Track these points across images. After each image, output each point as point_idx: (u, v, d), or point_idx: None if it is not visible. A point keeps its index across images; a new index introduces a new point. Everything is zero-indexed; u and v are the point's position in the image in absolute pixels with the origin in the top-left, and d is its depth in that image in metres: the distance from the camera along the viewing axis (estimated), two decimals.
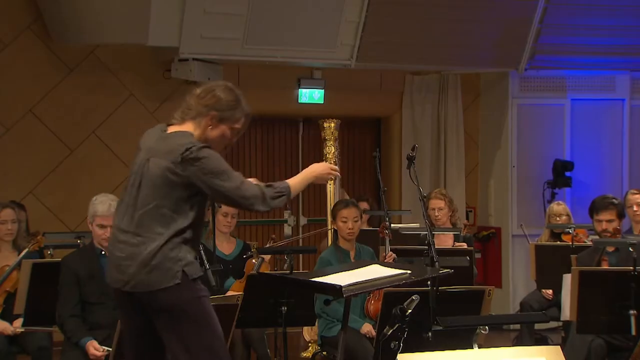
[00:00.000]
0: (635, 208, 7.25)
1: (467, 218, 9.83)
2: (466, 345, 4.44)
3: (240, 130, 4.08)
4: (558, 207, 7.83)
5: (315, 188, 9.50)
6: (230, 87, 4.06)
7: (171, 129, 4.02)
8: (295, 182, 4.08)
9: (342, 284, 3.86)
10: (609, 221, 6.28)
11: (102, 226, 5.52)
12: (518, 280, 9.81)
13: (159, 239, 3.86)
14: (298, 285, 4.54)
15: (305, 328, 7.48)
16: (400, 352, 3.68)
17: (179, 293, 3.84)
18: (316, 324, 6.32)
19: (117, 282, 3.95)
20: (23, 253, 6.09)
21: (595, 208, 6.40)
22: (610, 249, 6.22)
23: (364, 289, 4.01)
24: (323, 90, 9.14)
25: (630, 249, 5.35)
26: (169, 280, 3.84)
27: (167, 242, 3.86)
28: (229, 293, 5.97)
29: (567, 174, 9.76)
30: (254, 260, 6.38)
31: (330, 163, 6.83)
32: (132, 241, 3.90)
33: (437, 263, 4.83)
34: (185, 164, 3.86)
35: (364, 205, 7.90)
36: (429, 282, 4.72)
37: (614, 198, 6.45)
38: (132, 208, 3.94)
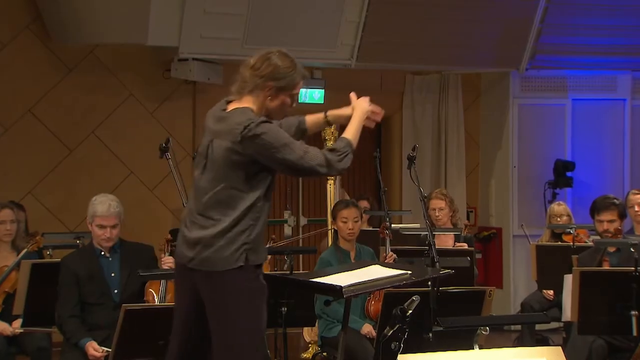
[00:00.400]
0: (636, 208, 7.24)
1: (468, 218, 9.83)
2: (467, 346, 4.45)
3: (298, 94, 4.07)
4: (558, 207, 7.83)
5: (315, 188, 9.51)
6: (284, 52, 4.02)
7: (230, 107, 3.99)
8: (353, 133, 4.05)
9: (343, 285, 3.86)
10: (610, 221, 6.28)
11: (101, 226, 5.51)
12: (519, 280, 9.81)
13: (227, 220, 3.86)
14: (298, 285, 4.55)
15: (305, 329, 7.48)
16: (400, 353, 3.68)
17: (236, 277, 3.84)
18: (316, 324, 6.32)
19: (183, 258, 3.95)
20: (22, 253, 6.09)
21: (596, 208, 6.40)
22: (611, 249, 6.22)
23: (365, 289, 4.01)
24: (323, 90, 9.15)
25: (632, 250, 5.34)
26: (231, 263, 3.84)
27: (236, 223, 3.86)
28: None
29: (568, 174, 9.76)
30: None
31: None
32: (203, 224, 3.90)
33: (437, 263, 4.83)
34: (246, 142, 3.85)
35: (365, 203, 7.90)
36: (429, 283, 4.72)
37: (615, 198, 6.46)
38: (200, 191, 3.94)
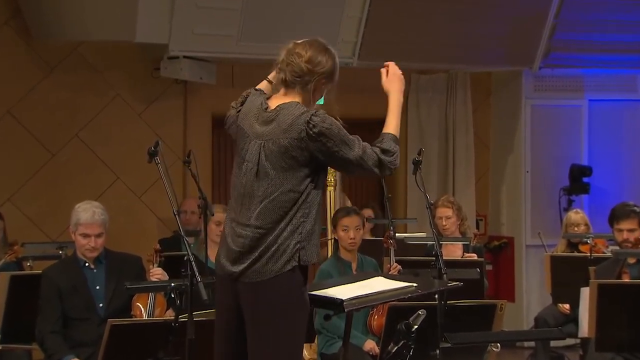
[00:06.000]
0: None
1: (477, 227, 9.82)
2: None
3: None
4: (576, 215, 7.83)
5: None
6: (330, 47, 4.09)
7: (273, 103, 3.96)
8: (395, 126, 4.10)
9: (343, 298, 3.86)
10: (630, 230, 6.29)
11: (85, 235, 5.51)
12: (532, 293, 9.81)
13: (281, 224, 3.86)
14: None
15: (304, 345, 7.46)
16: None
17: (283, 286, 3.83)
18: (315, 340, 6.31)
19: (229, 274, 3.93)
20: None
21: (615, 216, 6.40)
22: (631, 260, 6.22)
23: (367, 302, 4.01)
24: None
25: None
26: (284, 266, 3.83)
27: (289, 223, 3.86)
28: None
29: (585, 179, 9.76)
30: None
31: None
32: (254, 235, 3.88)
33: (445, 275, 4.82)
34: (310, 139, 3.85)
35: (368, 212, 7.90)
36: (436, 296, 4.72)
37: (635, 205, 6.46)
38: (250, 199, 3.91)
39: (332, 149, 3.87)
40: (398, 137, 4.07)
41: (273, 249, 3.84)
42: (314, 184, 3.91)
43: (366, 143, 3.97)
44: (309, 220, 3.89)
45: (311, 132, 3.84)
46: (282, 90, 3.99)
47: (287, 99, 3.95)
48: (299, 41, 4.04)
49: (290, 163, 3.86)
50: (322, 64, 3.98)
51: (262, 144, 3.90)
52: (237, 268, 3.89)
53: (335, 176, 7.01)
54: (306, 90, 3.96)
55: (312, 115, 3.86)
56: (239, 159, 3.99)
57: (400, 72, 4.21)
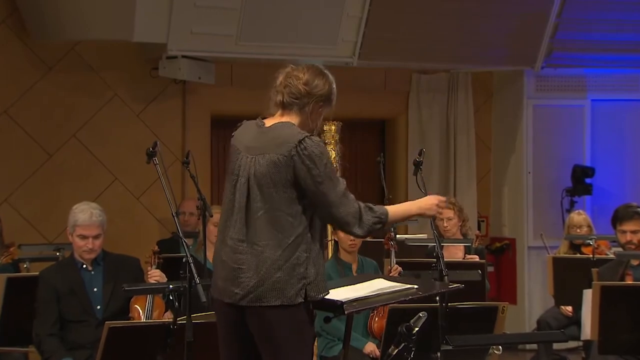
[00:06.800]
0: None
1: (479, 228, 9.82)
2: None
3: None
4: (578, 216, 7.83)
5: None
6: (326, 71, 4.10)
7: (270, 122, 3.98)
8: (396, 210, 4.02)
9: (343, 300, 3.86)
10: (634, 232, 6.29)
11: (83, 237, 5.51)
12: (534, 296, 9.80)
13: (281, 246, 3.83)
14: None
15: None
16: None
17: (295, 314, 3.82)
18: (315, 343, 6.29)
19: (232, 296, 3.89)
20: None
21: (618, 218, 6.40)
22: (634, 262, 6.22)
23: (367, 305, 4.01)
24: None
25: None
26: (291, 298, 3.81)
27: (291, 253, 3.82)
28: None
29: (588, 180, 9.75)
30: None
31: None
32: (251, 251, 3.86)
33: (446, 277, 4.83)
34: (298, 158, 3.84)
35: None
36: (437, 298, 4.72)
37: (638, 207, 6.45)
38: (243, 213, 3.90)
39: (315, 179, 3.84)
40: (390, 220, 3.97)
41: (277, 275, 3.80)
42: (311, 216, 3.88)
43: (353, 196, 3.93)
44: (313, 256, 3.86)
45: (301, 153, 3.84)
46: (279, 112, 4.01)
47: (283, 120, 3.98)
48: (297, 66, 4.08)
49: (275, 180, 3.86)
50: (319, 87, 4.01)
51: (254, 159, 3.92)
52: (240, 288, 3.86)
53: None
54: (303, 113, 3.98)
55: (307, 137, 3.87)
56: (232, 176, 3.99)
57: (435, 203, 4.11)
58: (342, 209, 3.87)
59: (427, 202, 4.10)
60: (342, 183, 3.91)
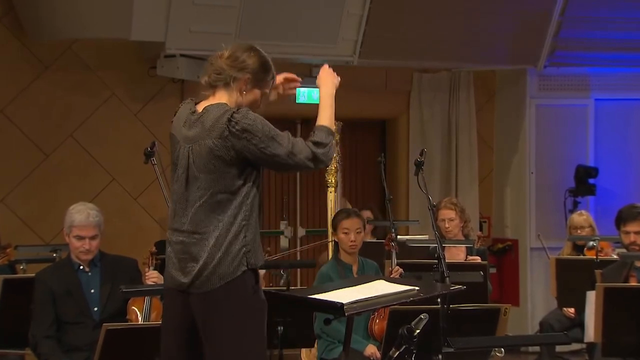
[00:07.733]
0: None
1: (481, 229, 9.82)
2: None
3: (268, 94, 4.09)
4: (579, 217, 7.83)
5: (314, 196, 9.49)
6: (257, 47, 4.07)
7: (201, 107, 3.98)
8: (327, 117, 4.09)
9: (344, 302, 3.86)
10: (638, 233, 6.29)
11: (79, 237, 5.51)
12: (537, 297, 9.81)
13: (219, 228, 3.87)
14: (295, 302, 4.53)
15: (303, 350, 7.45)
16: None
17: (237, 291, 3.84)
18: (315, 345, 6.30)
19: (179, 285, 3.93)
20: None
21: (622, 218, 6.40)
22: (638, 263, 6.21)
23: (368, 306, 4.00)
24: None
25: None
26: (232, 273, 3.84)
27: (229, 228, 3.86)
28: None
29: (591, 181, 9.76)
30: None
31: (332, 169, 6.86)
32: (191, 241, 3.90)
33: (447, 278, 4.83)
34: (233, 137, 3.84)
35: (367, 214, 7.89)
36: (439, 300, 4.71)
37: None
38: (183, 204, 3.93)
39: (258, 146, 3.86)
40: (332, 128, 4.07)
41: (218, 255, 3.85)
42: (250, 185, 3.91)
43: (299, 138, 3.97)
44: (252, 223, 3.91)
45: (234, 130, 3.84)
46: (210, 94, 4.00)
47: (214, 101, 3.97)
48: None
49: (216, 164, 3.87)
50: (244, 62, 3.97)
51: (190, 148, 3.92)
52: (187, 277, 3.89)
53: (335, 177, 7.01)
54: (230, 89, 3.96)
55: (234, 112, 3.87)
56: (173, 166, 4.02)
57: (331, 70, 4.20)
58: (296, 158, 3.91)
59: (326, 78, 4.19)
60: (285, 136, 3.93)
